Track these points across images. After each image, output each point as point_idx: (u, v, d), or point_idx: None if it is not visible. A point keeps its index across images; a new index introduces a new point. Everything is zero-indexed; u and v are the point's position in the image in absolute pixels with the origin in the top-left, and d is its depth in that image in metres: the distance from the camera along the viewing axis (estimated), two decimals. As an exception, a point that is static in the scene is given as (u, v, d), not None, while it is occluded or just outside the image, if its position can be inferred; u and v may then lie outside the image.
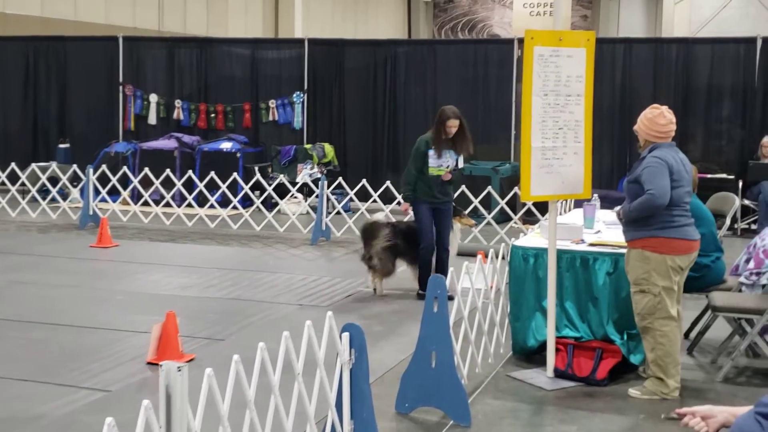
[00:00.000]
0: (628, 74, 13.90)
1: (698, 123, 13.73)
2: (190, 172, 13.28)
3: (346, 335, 4.49)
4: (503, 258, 6.59)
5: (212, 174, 12.75)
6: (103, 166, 13.35)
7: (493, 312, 6.39)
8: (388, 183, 12.14)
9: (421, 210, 8.34)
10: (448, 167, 8.34)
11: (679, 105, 13.21)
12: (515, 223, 11.54)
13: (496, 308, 6.54)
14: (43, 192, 13.76)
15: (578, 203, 8.69)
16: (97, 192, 12.66)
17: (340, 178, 12.63)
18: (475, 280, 6.05)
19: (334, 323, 4.48)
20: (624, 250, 5.91)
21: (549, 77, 5.79)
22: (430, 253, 8.36)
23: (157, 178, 12.92)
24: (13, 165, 13.49)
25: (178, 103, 15.84)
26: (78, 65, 16.31)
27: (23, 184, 13.61)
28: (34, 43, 16.66)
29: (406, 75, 14.93)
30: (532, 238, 6.73)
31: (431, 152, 8.31)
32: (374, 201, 11.98)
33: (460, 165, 8.53)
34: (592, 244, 6.34)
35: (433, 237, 8.35)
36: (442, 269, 8.07)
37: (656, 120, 5.68)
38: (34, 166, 14.31)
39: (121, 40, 16.20)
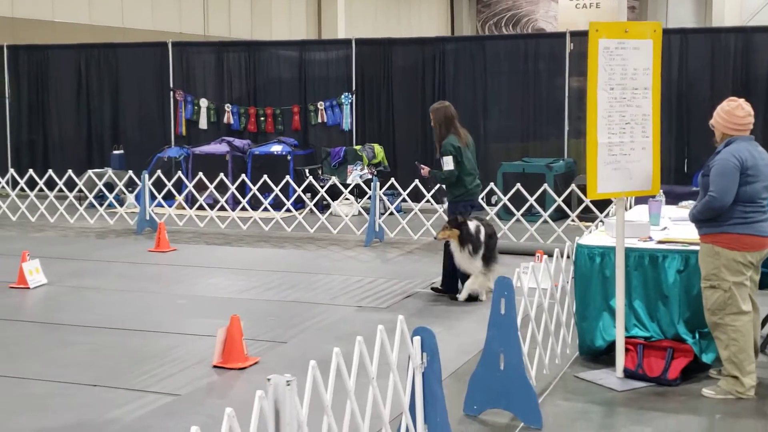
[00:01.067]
0: (684, 66, 13.62)
1: (758, 114, 13.38)
2: (243, 176, 13.36)
3: (417, 339, 4.46)
4: (567, 257, 6.49)
5: (265, 177, 12.81)
6: (158, 171, 13.48)
7: (559, 312, 6.31)
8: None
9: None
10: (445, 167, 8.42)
11: (739, 96, 12.90)
12: (573, 220, 11.41)
13: (561, 308, 6.45)
14: (100, 198, 13.96)
15: (639, 199, 8.56)
16: (152, 197, 12.79)
17: (393, 179, 12.59)
18: (536, 280, 5.98)
19: (406, 327, 4.44)
20: (694, 247, 5.80)
21: (615, 70, 5.70)
22: None
23: (209, 182, 13.01)
24: (69, 172, 13.69)
25: (227, 107, 15.94)
26: (129, 72, 16.51)
27: (80, 190, 13.80)
28: (86, 51, 16.89)
29: (455, 72, 14.84)
30: (597, 236, 6.63)
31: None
32: (427, 201, 11.93)
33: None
34: (660, 242, 6.22)
35: None
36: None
37: (734, 112, 5.57)
38: (90, 172, 14.52)
39: (170, 46, 16.34)
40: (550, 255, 6.49)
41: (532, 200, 11.43)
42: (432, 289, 8.75)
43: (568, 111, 14.13)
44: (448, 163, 8.32)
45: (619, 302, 5.89)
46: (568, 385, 5.94)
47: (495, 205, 12.14)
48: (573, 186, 11.81)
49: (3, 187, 14.00)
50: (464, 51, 14.96)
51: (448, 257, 8.43)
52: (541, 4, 34.98)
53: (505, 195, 11.87)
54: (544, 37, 17.22)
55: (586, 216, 11.50)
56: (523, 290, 5.72)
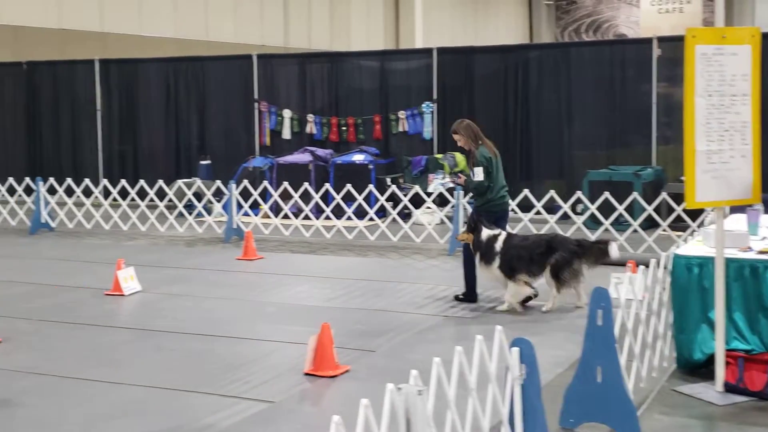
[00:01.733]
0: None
1: None
2: (327, 185, 13.49)
3: (516, 350, 4.41)
4: (664, 268, 6.35)
5: (349, 186, 12.91)
6: (244, 181, 13.71)
7: (656, 324, 6.17)
8: (526, 192, 11.99)
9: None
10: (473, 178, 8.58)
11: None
12: (664, 230, 11.17)
13: (658, 319, 6.31)
14: (189, 207, 14.27)
15: (734, 208, 8.32)
16: (239, 206, 13.01)
17: (476, 188, 12.51)
18: (633, 291, 5.87)
19: (504, 337, 4.41)
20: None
21: (713, 77, 5.57)
22: None
23: (293, 191, 13.16)
24: (160, 182, 14.02)
25: (310, 117, 16.11)
26: (215, 83, 16.85)
27: (170, 200, 14.14)
28: (174, 64, 17.29)
29: (538, 80, 14.72)
30: (695, 246, 6.47)
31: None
32: (512, 210, 11.81)
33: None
34: (761, 252, 6.04)
35: None
36: None
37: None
38: (179, 182, 14.85)
39: (255, 58, 16.60)
40: (641, 265, 6.36)
41: (621, 209, 11.23)
42: (455, 297, 8.78)
43: (656, 117, 13.86)
44: (478, 174, 8.46)
45: (719, 314, 5.74)
46: (666, 399, 5.80)
47: (581, 214, 11.97)
48: (663, 194, 11.57)
49: (96, 197, 14.41)
50: (547, 58, 14.83)
51: (466, 262, 8.61)
52: (622, 9, 34.44)
53: (591, 203, 11.70)
54: (629, 42, 16.95)
55: (678, 225, 11.25)
56: (621, 301, 5.62)
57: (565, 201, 11.88)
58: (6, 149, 18.29)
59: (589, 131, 14.46)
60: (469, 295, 8.69)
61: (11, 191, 14.82)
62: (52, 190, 14.07)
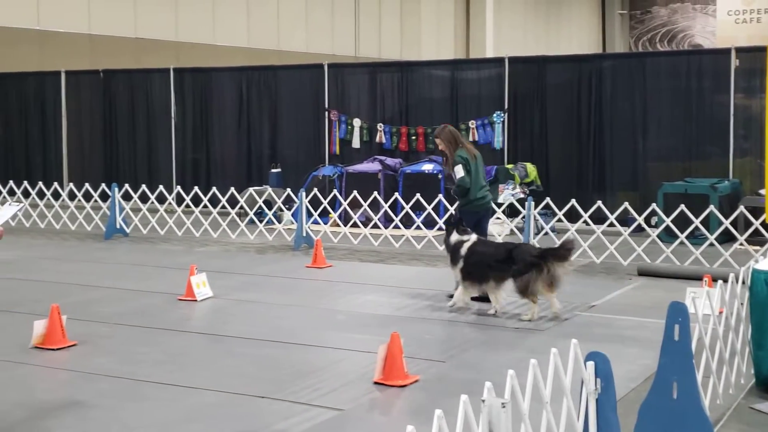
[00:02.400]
0: None
1: None
2: (396, 195, 13.51)
3: (591, 364, 4.34)
4: (742, 282, 6.19)
5: (418, 195, 12.91)
6: (314, 190, 13.82)
7: (734, 339, 6.02)
8: (599, 203, 11.82)
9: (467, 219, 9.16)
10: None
11: None
12: (741, 244, 10.90)
13: (736, 335, 6.14)
14: (259, 214, 14.45)
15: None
16: (308, 214, 13.12)
17: (548, 199, 12.40)
18: (704, 305, 5.72)
19: (579, 351, 4.34)
20: None
21: (796, 89, 5.41)
22: None
23: (362, 200, 13.22)
24: (232, 189, 14.23)
25: (380, 126, 16.17)
26: (286, 92, 17.05)
27: (241, 207, 14.34)
28: (246, 73, 17.54)
29: (611, 90, 14.52)
30: (775, 261, 6.28)
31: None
32: (585, 222, 11.69)
33: None
34: None
35: None
36: None
37: None
38: (251, 190, 15.05)
39: (326, 68, 16.74)
40: (718, 279, 6.21)
41: (697, 222, 10.99)
42: (448, 296, 9.13)
43: (733, 129, 13.56)
44: (459, 172, 8.95)
45: (801, 331, 5.56)
46: (744, 416, 5.65)
47: (656, 226, 11.76)
48: (741, 207, 11.30)
49: (170, 203, 14.69)
50: (622, 68, 14.63)
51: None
52: (697, 19, 33.81)
53: (666, 216, 11.47)
54: (707, 53, 16.59)
55: (756, 239, 10.96)
56: (698, 316, 5.49)
57: (639, 213, 11.68)
58: (83, 156, 18.78)
59: (665, 142, 14.21)
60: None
61: (87, 197, 15.20)
62: (127, 196, 14.39)
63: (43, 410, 5.90)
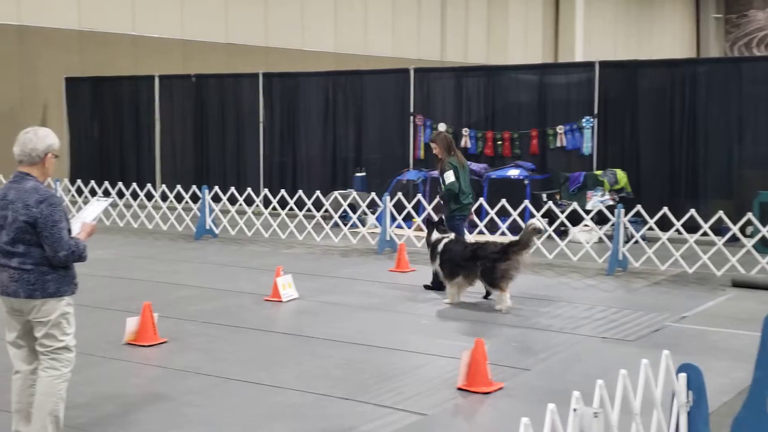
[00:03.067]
0: None
1: None
2: (481, 200, 13.42)
3: (683, 376, 4.24)
4: None
5: (503, 201, 12.80)
6: (398, 194, 13.85)
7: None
8: (692, 211, 11.49)
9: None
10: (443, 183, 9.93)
11: None
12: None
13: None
14: (343, 218, 14.55)
15: None
16: (392, 218, 13.14)
17: (639, 206, 12.11)
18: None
19: (671, 362, 4.24)
20: None
21: None
22: None
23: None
24: (318, 193, 14.37)
25: (465, 131, 16.09)
26: (372, 97, 17.12)
27: (326, 210, 14.46)
28: (333, 78, 17.69)
29: (706, 95, 14.12)
30: None
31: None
32: (677, 231, 11.41)
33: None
34: None
35: None
36: None
37: None
38: (336, 193, 15.16)
39: (412, 72, 16.76)
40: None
41: (793, 233, 10.62)
42: (424, 287, 9.96)
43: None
44: (449, 177, 9.79)
45: None
46: None
47: (751, 236, 11.38)
48: None
49: (257, 205, 14.91)
50: (717, 73, 14.21)
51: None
52: (796, 22, 32.64)
53: (763, 226, 11.09)
54: (806, 58, 16.03)
55: None
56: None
57: (734, 222, 11.31)
58: (174, 158, 19.23)
59: (761, 150, 13.74)
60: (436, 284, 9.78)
61: (179, 198, 15.56)
62: (216, 198, 14.67)
63: (133, 405, 6.05)
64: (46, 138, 4.94)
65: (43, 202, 4.79)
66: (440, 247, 9.40)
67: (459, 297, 9.35)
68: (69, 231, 4.89)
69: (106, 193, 16.21)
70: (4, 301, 4.96)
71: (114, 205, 15.67)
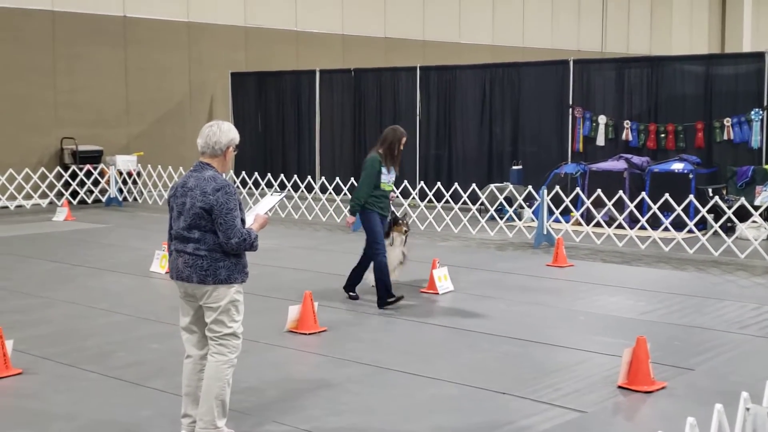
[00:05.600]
0: None
1: None
2: (643, 194, 13.05)
3: None
4: None
5: (666, 196, 12.40)
6: (555, 187, 13.66)
7: None
8: None
9: (376, 219, 8.96)
10: (393, 182, 9.13)
11: None
12: None
13: None
14: (499, 211, 14.48)
15: None
16: (549, 212, 12.98)
17: (812, 202, 11.48)
18: None
19: None
20: None
21: None
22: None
23: (606, 199, 12.88)
24: (473, 186, 14.37)
25: (627, 123, 15.67)
26: (529, 89, 16.94)
27: (482, 203, 14.44)
28: (490, 70, 17.62)
29: None
30: None
31: (384, 169, 8.89)
32: None
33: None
34: None
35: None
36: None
37: None
38: (491, 186, 15.11)
39: (571, 64, 16.46)
40: None
41: None
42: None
43: None
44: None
45: None
46: None
47: None
48: None
49: (413, 198, 15.07)
50: None
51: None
52: None
53: None
54: None
55: None
56: None
57: None
58: (333, 151, 19.71)
59: None
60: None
61: (337, 190, 15.92)
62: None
63: (295, 391, 6.27)
64: (229, 132, 5.20)
65: (219, 190, 5.02)
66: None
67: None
68: (243, 221, 5.11)
69: (269, 185, 16.81)
70: (179, 285, 5.20)
71: (289, 197, 16.23)
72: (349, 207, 9.13)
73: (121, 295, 9.64)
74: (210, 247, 5.04)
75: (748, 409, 2.92)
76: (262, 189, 17.18)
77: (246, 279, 5.21)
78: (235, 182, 17.44)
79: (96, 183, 18.44)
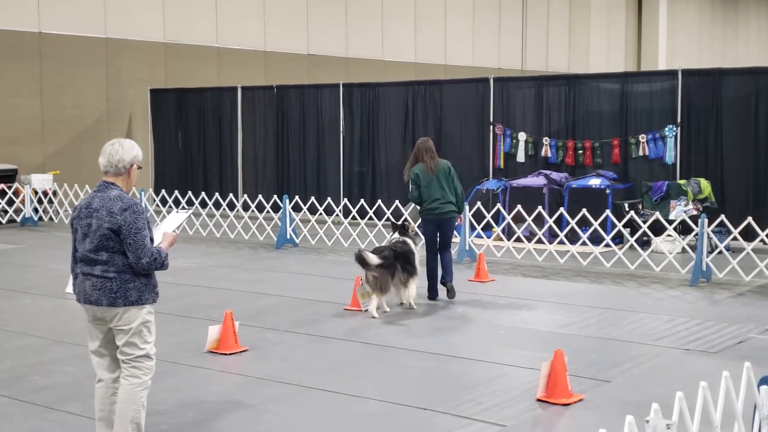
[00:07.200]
0: None
1: None
2: (561, 209, 13.30)
3: (765, 388, 4.14)
4: None
5: (584, 211, 12.66)
6: (478, 203, 13.82)
7: None
8: (777, 221, 11.20)
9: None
10: None
11: None
12: None
13: None
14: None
15: None
16: (471, 228, 13.11)
17: (722, 216, 11.84)
18: None
19: (752, 374, 4.15)
20: None
21: None
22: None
23: (526, 214, 13.08)
24: (397, 202, 14.43)
25: (546, 140, 15.96)
26: (451, 107, 17.12)
27: (406, 220, 14.47)
28: (413, 87, 17.77)
29: (794, 104, 13.71)
30: None
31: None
32: (762, 241, 11.10)
33: None
34: None
35: None
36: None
37: None
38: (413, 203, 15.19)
39: (491, 81, 16.71)
40: None
41: None
42: None
43: None
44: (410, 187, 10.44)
45: None
46: None
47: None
48: None
49: (337, 215, 15.07)
50: (805, 80, 13.79)
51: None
52: None
53: None
54: None
55: None
56: None
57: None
58: (256, 168, 19.57)
59: None
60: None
61: (260, 208, 15.82)
62: (297, 208, 14.87)
63: (214, 412, 6.18)
64: (132, 149, 5.09)
65: (127, 210, 4.92)
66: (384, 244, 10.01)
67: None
68: (152, 240, 5.03)
69: (189, 203, 16.59)
70: (87, 309, 5.08)
71: (197, 214, 16.04)
72: (456, 208, 10.22)
73: (35, 316, 9.38)
74: (119, 269, 4.94)
75: (647, 421, 3.00)
76: (183, 207, 16.96)
77: (157, 299, 5.13)
78: (154, 200, 17.16)
79: (10, 203, 17.94)
